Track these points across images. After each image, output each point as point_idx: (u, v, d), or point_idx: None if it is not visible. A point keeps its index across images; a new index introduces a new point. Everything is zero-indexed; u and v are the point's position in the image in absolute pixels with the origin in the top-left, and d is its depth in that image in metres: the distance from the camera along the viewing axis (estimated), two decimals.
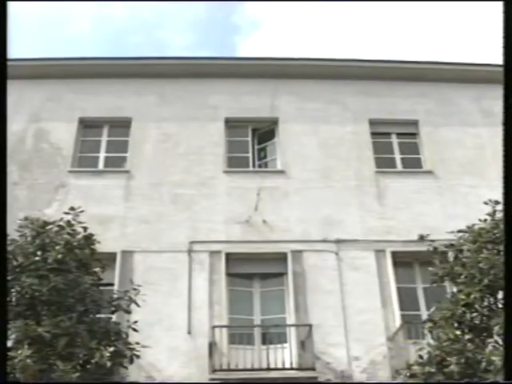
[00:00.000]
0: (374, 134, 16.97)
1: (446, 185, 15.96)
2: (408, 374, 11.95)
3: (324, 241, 14.93)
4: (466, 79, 17.65)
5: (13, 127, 15.46)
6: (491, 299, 11.01)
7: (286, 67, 17.56)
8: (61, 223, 10.44)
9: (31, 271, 9.62)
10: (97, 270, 10.61)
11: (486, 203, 11.79)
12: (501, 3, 3.40)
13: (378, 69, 17.68)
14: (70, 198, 14.44)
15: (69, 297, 9.79)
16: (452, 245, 11.87)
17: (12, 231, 8.18)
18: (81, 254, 10.26)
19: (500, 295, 10.76)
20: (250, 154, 16.72)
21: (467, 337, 10.89)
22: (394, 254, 14.74)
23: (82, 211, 10.61)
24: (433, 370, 11.31)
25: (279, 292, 14.61)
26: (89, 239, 10.49)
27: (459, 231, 11.93)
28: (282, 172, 16.16)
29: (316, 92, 17.30)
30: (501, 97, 3.41)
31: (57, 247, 9.96)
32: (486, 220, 11.67)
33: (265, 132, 17.17)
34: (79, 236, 10.42)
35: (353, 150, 16.51)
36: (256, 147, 16.99)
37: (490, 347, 10.47)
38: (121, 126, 16.88)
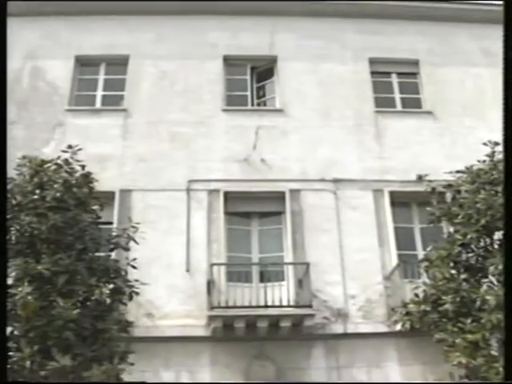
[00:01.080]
0: (373, 73, 16.76)
1: (445, 125, 15.85)
2: (404, 312, 12.15)
3: (322, 180, 14.92)
4: (468, 19, 17.33)
5: (9, 66, 15.17)
6: (487, 240, 11.10)
7: (286, 4, 17.19)
8: (59, 162, 10.40)
9: (30, 210, 9.62)
10: (95, 208, 10.61)
11: (485, 144, 11.76)
12: None
13: (379, 7, 17.32)
14: (68, 137, 14.29)
15: (68, 235, 9.83)
16: (450, 185, 11.89)
17: (10, 170, 8.13)
18: (79, 193, 10.25)
19: (496, 236, 10.82)
20: (248, 93, 16.54)
21: (463, 276, 11.03)
22: (392, 194, 14.75)
23: (79, 149, 10.57)
24: (428, 308, 11.49)
25: (277, 230, 14.67)
26: (87, 178, 10.47)
27: (457, 172, 11.94)
28: (280, 111, 16.02)
29: (316, 30, 17.00)
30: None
31: (55, 186, 9.94)
32: (484, 161, 11.68)
33: (264, 70, 16.94)
34: (77, 174, 10.39)
35: (352, 89, 16.33)
36: (255, 85, 16.80)
37: (484, 287, 10.60)
38: (118, 63, 16.64)
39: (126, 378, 9.32)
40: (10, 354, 8.58)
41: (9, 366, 8.30)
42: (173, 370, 12.97)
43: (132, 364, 9.60)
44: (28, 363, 8.57)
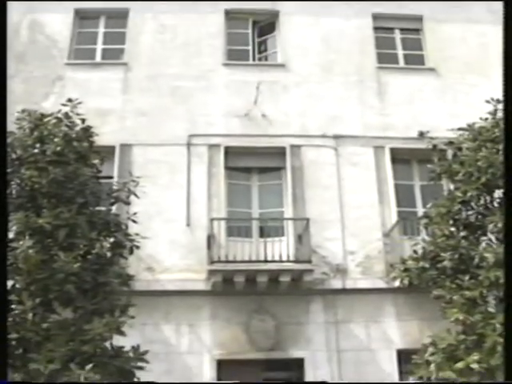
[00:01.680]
0: (376, 29, 16.54)
1: (447, 83, 15.69)
2: (402, 269, 12.21)
3: (323, 136, 14.85)
4: None
5: (7, 19, 14.96)
6: (487, 198, 11.09)
7: None
8: (58, 115, 10.31)
9: (30, 163, 9.59)
10: (96, 162, 10.58)
11: (487, 102, 11.65)
12: None
13: None
14: (67, 91, 14.13)
15: (68, 189, 9.80)
16: (451, 142, 11.84)
17: (9, 124, 8.08)
18: (79, 147, 10.20)
19: (496, 194, 10.81)
20: (249, 47, 16.35)
21: (462, 234, 11.05)
22: (393, 151, 14.69)
23: (79, 103, 10.47)
24: (426, 265, 11.54)
25: (277, 186, 14.67)
26: (87, 132, 10.40)
27: (459, 129, 11.87)
28: (282, 65, 15.86)
29: None
30: None
31: (55, 139, 9.88)
32: (486, 119, 11.59)
33: (265, 25, 16.71)
34: (77, 128, 10.32)
35: (355, 45, 16.13)
36: (256, 40, 16.60)
37: (483, 244, 10.62)
38: (118, 17, 16.39)
39: (126, 330, 9.38)
40: (12, 307, 8.64)
41: (10, 319, 8.37)
42: (173, 323, 13.11)
43: (133, 317, 9.66)
44: (30, 316, 8.62)
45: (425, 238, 12.24)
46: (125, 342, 9.68)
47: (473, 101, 14.44)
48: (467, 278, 10.43)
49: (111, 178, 12.32)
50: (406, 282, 12.23)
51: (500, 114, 11.32)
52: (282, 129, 14.83)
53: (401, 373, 13.04)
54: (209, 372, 12.90)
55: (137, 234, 10.49)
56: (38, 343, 8.65)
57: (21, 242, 8.74)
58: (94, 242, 9.69)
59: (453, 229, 11.16)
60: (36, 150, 9.75)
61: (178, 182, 14.10)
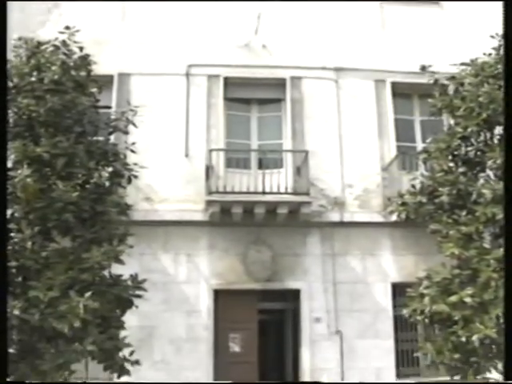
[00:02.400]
0: None
1: (452, 16, 15.37)
2: (400, 203, 12.24)
3: (324, 68, 14.65)
4: None
5: None
6: (488, 134, 11.03)
7: None
8: (56, 43, 10.13)
9: (27, 92, 9.46)
10: (94, 91, 10.44)
11: (492, 37, 11.44)
12: None
13: None
14: (64, 19, 13.78)
15: (66, 118, 9.73)
16: (453, 77, 11.69)
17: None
18: (77, 75, 10.05)
19: (497, 130, 10.74)
20: None
21: (460, 169, 11.03)
22: (394, 85, 14.51)
23: (77, 31, 10.25)
24: (424, 199, 11.56)
25: (277, 118, 14.57)
26: (85, 60, 10.23)
27: (462, 64, 11.69)
28: None
29: None
30: None
31: (52, 68, 9.72)
32: (490, 54, 11.41)
33: None
34: (75, 56, 10.15)
35: None
36: None
37: (481, 181, 10.61)
38: None
39: (125, 259, 9.48)
40: (11, 235, 8.69)
41: (10, 248, 8.43)
42: (171, 253, 13.25)
43: (131, 246, 9.75)
44: (29, 244, 8.69)
45: (423, 172, 12.22)
46: (123, 270, 9.81)
47: (477, 36, 14.18)
48: (464, 213, 10.47)
49: (109, 107, 12.19)
50: (403, 216, 12.25)
51: None
52: (283, 60, 14.61)
53: (395, 306, 13.29)
54: (206, 301, 13.12)
55: (135, 164, 10.50)
56: (37, 271, 8.75)
57: (19, 171, 8.72)
58: (93, 171, 9.67)
59: (451, 164, 11.14)
60: (33, 79, 9.61)
61: (176, 112, 13.98)
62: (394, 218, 13.00)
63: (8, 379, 9.10)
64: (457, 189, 10.74)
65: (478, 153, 11.14)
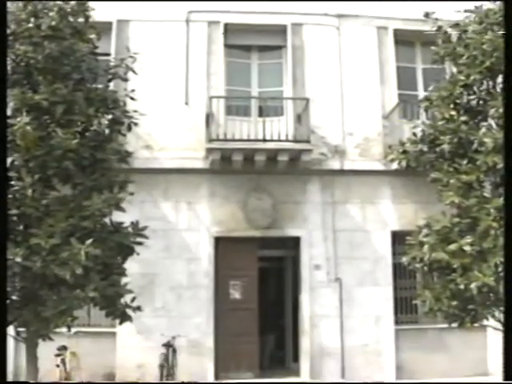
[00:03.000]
0: None
1: None
2: (400, 151, 12.22)
3: (325, 14, 14.40)
4: None
5: None
6: (490, 82, 10.92)
7: None
8: None
9: (25, 39, 9.30)
10: (92, 37, 10.27)
11: None
12: None
13: None
14: None
15: (64, 64, 9.60)
16: (457, 24, 11.51)
17: None
18: (75, 22, 9.86)
19: (500, 79, 10.62)
20: None
21: (462, 118, 10.97)
22: (396, 32, 14.29)
23: None
24: (425, 148, 11.57)
25: (277, 65, 14.41)
26: (83, 6, 10.00)
27: (466, 11, 11.50)
28: None
29: None
30: None
31: (50, 14, 9.55)
32: (495, 0, 11.20)
33: None
34: (73, 2, 9.95)
35: None
36: None
37: (483, 129, 10.55)
38: None
39: (126, 207, 9.49)
40: (12, 183, 8.68)
41: (10, 196, 8.43)
42: (172, 200, 13.32)
43: (131, 193, 9.74)
44: (29, 192, 8.67)
45: (424, 121, 12.16)
46: (124, 218, 9.82)
47: None
48: (465, 162, 10.46)
49: (108, 54, 12.00)
50: (403, 164, 12.27)
51: None
52: (284, 6, 14.31)
53: (394, 254, 13.41)
54: (206, 249, 13.23)
55: (135, 111, 10.39)
56: (38, 219, 8.76)
57: (18, 119, 8.66)
58: (92, 118, 9.57)
59: (453, 112, 11.06)
60: (30, 25, 9.43)
61: (176, 59, 13.81)
62: (394, 166, 13.08)
63: (11, 326, 9.27)
64: (458, 137, 10.70)
65: (480, 101, 11.07)
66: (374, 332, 13.28)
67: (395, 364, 13.19)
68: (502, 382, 6.07)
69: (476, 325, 10.65)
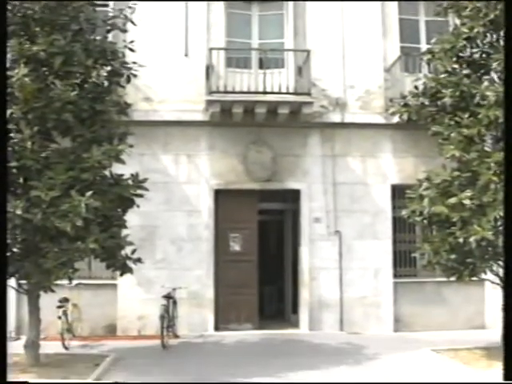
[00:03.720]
0: None
1: None
2: (402, 104, 12.14)
3: None
4: None
5: None
6: (494, 35, 10.78)
7: None
8: None
9: None
10: None
11: None
12: None
13: None
14: None
15: (62, 15, 9.56)
16: None
17: None
18: None
19: (503, 32, 10.48)
20: None
21: (464, 71, 10.87)
22: None
23: None
24: (426, 101, 11.47)
25: (278, 16, 14.18)
26: None
27: None
28: None
29: None
30: None
31: None
32: None
33: None
34: None
35: None
36: None
37: (485, 83, 10.47)
38: None
39: (125, 159, 9.53)
40: (11, 135, 8.67)
41: (10, 148, 8.43)
42: (171, 153, 13.32)
43: (131, 145, 9.78)
44: (29, 144, 8.69)
45: (426, 74, 12.05)
46: (124, 170, 9.91)
47: None
48: (466, 115, 10.36)
49: (107, 5, 11.81)
50: (404, 117, 12.18)
51: None
52: None
53: (394, 207, 13.45)
54: (207, 201, 13.27)
55: (134, 63, 10.40)
56: (38, 171, 8.80)
57: (16, 71, 8.61)
58: (91, 70, 9.57)
59: (456, 66, 10.93)
60: None
61: (176, 10, 13.57)
62: (395, 119, 13.01)
63: (13, 278, 9.37)
64: (460, 91, 10.59)
65: (483, 55, 10.94)
66: (372, 284, 13.41)
67: (393, 316, 13.35)
68: (501, 382, 6.18)
69: (474, 278, 10.72)
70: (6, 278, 5.83)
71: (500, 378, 6.33)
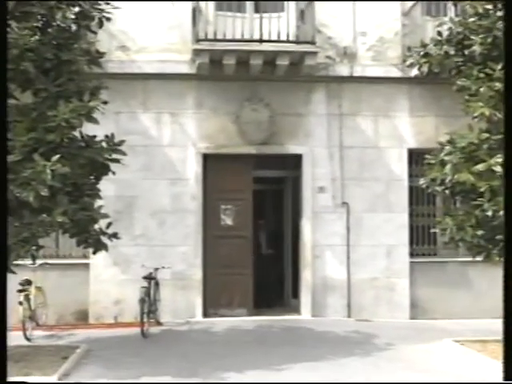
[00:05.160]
0: None
1: None
2: (422, 54, 11.95)
3: None
4: None
5: None
6: None
7: None
8: None
9: None
10: None
11: None
12: None
13: None
14: None
15: None
16: None
17: None
18: None
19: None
20: None
21: (498, 13, 10.64)
22: None
23: None
24: (451, 50, 11.28)
25: None
26: None
27: None
28: None
29: None
30: None
31: None
32: None
33: None
34: None
35: None
36: None
37: None
38: None
39: (99, 118, 9.34)
40: None
41: None
42: (152, 111, 13.21)
43: (105, 102, 9.59)
44: None
45: (452, 17, 11.90)
46: (97, 131, 9.73)
47: None
48: (499, 67, 10.13)
49: None
50: (424, 69, 12.10)
51: None
52: None
53: (411, 175, 13.40)
54: (193, 167, 13.17)
55: (107, 3, 10.26)
56: None
57: None
58: (55, 10, 9.36)
59: (489, 6, 10.73)
60: None
61: None
62: (413, 72, 12.92)
63: None
64: (493, 37, 10.41)
65: None
66: (385, 264, 13.36)
67: (409, 301, 13.32)
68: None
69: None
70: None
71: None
